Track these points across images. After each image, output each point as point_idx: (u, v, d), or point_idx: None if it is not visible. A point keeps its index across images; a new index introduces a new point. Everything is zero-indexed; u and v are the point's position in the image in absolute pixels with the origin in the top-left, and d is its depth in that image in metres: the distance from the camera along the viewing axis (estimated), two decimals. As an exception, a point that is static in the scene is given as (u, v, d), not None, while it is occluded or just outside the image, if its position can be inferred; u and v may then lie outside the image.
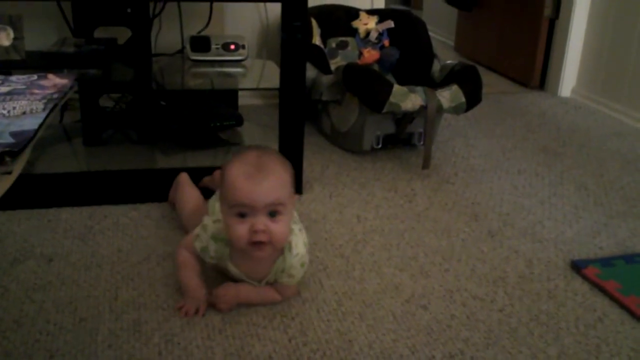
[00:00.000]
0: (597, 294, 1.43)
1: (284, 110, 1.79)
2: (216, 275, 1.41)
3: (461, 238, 1.65)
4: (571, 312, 1.36)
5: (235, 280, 1.36)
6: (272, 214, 1.23)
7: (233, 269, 1.34)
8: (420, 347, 1.23)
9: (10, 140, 0.63)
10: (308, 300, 1.37)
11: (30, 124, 0.68)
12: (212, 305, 1.33)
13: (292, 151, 1.81)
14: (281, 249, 1.30)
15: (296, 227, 1.34)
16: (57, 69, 1.94)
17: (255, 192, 1.20)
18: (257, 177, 1.21)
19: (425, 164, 2.02)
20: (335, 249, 1.58)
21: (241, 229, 1.23)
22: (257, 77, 2.16)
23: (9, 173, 0.58)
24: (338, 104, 2.19)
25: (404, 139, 2.20)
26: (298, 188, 1.85)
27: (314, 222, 1.71)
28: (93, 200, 1.77)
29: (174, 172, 1.76)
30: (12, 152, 0.59)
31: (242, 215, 1.23)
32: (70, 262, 1.50)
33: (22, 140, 0.63)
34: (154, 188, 1.78)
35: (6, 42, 1.79)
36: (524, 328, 1.30)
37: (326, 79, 2.19)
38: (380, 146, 2.15)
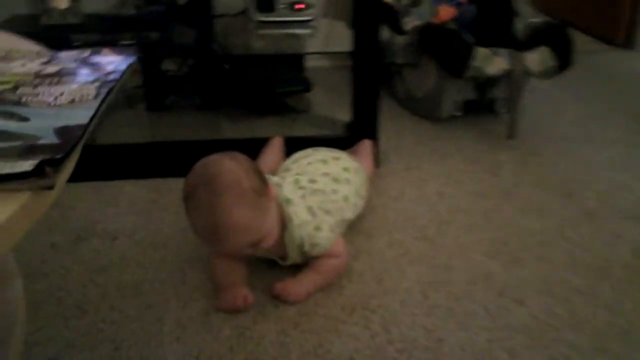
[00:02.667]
0: None
1: (358, 76, 1.65)
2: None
3: (556, 219, 1.49)
4: (688, 310, 1.21)
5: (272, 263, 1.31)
6: (254, 244, 1.17)
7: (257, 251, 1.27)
8: (519, 349, 1.10)
9: (55, 140, 0.50)
10: (390, 291, 1.25)
11: (80, 116, 0.54)
12: (283, 301, 1.23)
13: (366, 121, 1.68)
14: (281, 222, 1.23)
15: (297, 195, 1.28)
16: (115, 32, 1.85)
17: (225, 250, 1.20)
18: (219, 235, 1.12)
19: (511, 133, 1.86)
20: (416, 230, 1.45)
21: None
22: (326, 39, 2.02)
23: (51, 188, 0.45)
24: (414, 67, 2.03)
25: (486, 105, 2.03)
26: (376, 162, 1.72)
27: (392, 200, 1.58)
28: (158, 172, 1.68)
29: (244, 143, 1.65)
30: (53, 161, 0.46)
31: None
32: (134, 240, 1.42)
33: (69, 140, 0.50)
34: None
35: (63, 5, 1.69)
36: (637, 332, 1.15)
37: (400, 40, 2.03)
38: (459, 113, 1.99)
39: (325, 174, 1.37)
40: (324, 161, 1.42)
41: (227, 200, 1.10)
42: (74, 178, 1.66)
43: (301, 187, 1.31)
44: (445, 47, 1.85)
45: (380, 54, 1.65)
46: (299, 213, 1.24)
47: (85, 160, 1.69)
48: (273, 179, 1.29)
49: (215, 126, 1.93)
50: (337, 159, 1.45)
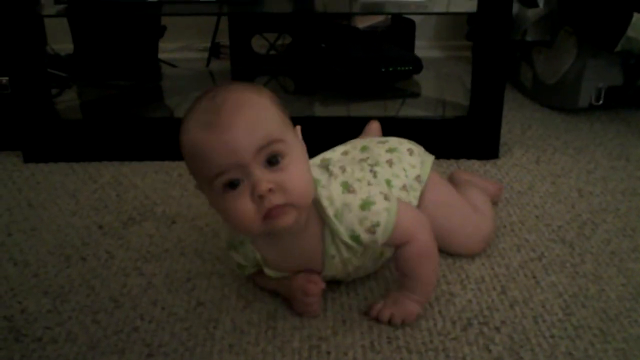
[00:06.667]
0: None
1: (482, 47, 1.35)
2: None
3: None
4: None
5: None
6: (272, 160, 0.77)
7: (274, 274, 0.93)
8: None
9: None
10: (519, 304, 0.92)
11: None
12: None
13: (487, 102, 1.36)
14: (315, 215, 0.86)
15: (324, 177, 0.89)
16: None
17: (231, 139, 0.75)
18: (224, 118, 0.76)
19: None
20: (552, 231, 1.12)
21: (241, 205, 0.77)
22: (444, 3, 1.67)
23: None
24: (546, 47, 1.70)
25: (634, 94, 1.66)
26: (494, 150, 1.40)
27: (517, 195, 1.25)
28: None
29: (340, 122, 1.37)
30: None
31: (232, 186, 0.77)
32: (196, 226, 1.17)
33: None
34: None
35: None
36: None
37: (532, 13, 1.69)
38: (600, 102, 1.63)
39: (362, 160, 1.01)
40: (364, 148, 1.04)
41: (244, 90, 0.81)
42: (138, 155, 1.43)
43: (328, 171, 0.92)
44: (595, 12, 1.51)
45: (510, 19, 1.33)
46: (333, 196, 0.88)
47: (155, 136, 1.42)
48: None
49: (308, 110, 1.65)
50: (383, 142, 1.07)
